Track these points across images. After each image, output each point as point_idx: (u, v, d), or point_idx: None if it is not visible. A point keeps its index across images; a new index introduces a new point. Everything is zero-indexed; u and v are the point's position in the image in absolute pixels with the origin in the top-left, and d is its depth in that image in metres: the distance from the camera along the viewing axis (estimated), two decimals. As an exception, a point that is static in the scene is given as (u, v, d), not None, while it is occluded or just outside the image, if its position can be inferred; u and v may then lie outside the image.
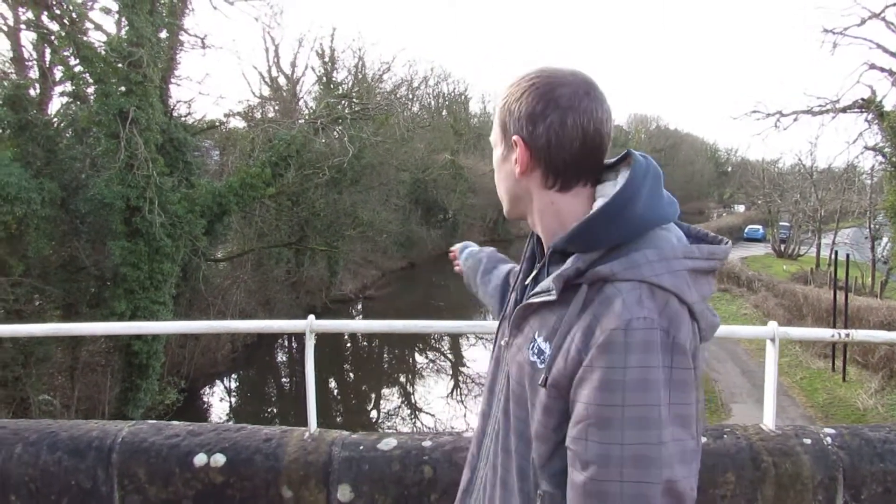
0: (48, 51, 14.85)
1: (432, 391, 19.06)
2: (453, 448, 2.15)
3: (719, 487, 2.07)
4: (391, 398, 19.47)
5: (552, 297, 1.02)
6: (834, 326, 15.30)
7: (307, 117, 21.78)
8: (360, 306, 28.12)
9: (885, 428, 2.28)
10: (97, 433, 2.25)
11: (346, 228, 24.80)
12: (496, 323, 1.37)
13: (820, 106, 21.25)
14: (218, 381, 19.16)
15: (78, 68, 14.37)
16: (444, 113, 45.14)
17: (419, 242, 35.91)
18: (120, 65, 13.59)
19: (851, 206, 32.63)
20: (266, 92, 27.83)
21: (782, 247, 37.74)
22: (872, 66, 19.88)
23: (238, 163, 19.64)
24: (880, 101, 19.99)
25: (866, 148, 21.52)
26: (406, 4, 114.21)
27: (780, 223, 40.04)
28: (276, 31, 30.32)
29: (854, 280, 22.38)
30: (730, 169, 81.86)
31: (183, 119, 17.68)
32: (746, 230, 46.59)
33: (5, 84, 13.67)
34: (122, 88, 13.63)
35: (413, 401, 18.80)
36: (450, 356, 22.72)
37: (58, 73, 14.94)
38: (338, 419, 16.51)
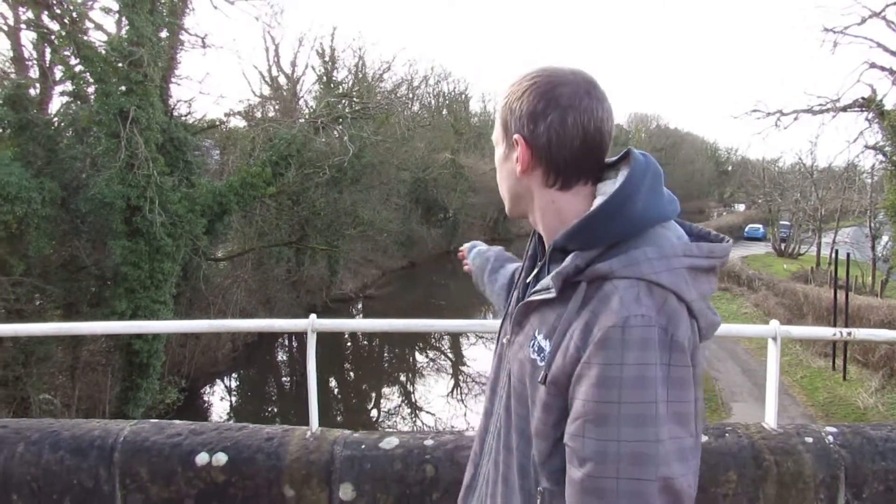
0: (48, 50, 14.85)
1: (432, 390, 19.07)
2: (455, 447, 2.15)
3: (721, 486, 2.07)
4: (391, 397, 19.48)
5: (551, 294, 1.03)
6: (834, 325, 15.30)
7: (307, 116, 21.77)
8: (360, 305, 28.13)
9: (887, 426, 2.28)
10: (99, 432, 2.25)
11: (346, 227, 24.80)
12: (497, 322, 1.37)
13: (820, 105, 21.24)
14: (218, 381, 19.17)
15: (78, 68, 14.38)
16: (445, 112, 45.12)
17: (419, 242, 35.91)
18: (120, 64, 13.59)
19: (852, 205, 32.62)
20: (266, 91, 27.85)
21: (783, 246, 37.75)
22: (873, 65, 19.86)
23: (238, 162, 19.64)
24: (881, 100, 19.97)
25: (867, 147, 21.49)
26: (406, 4, 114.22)
27: (781, 222, 40.05)
28: (276, 31, 30.38)
29: (854, 279, 22.38)
30: (730, 168, 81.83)
31: (183, 118, 17.69)
32: (747, 229, 46.59)
33: (6, 84, 13.68)
34: (123, 88, 13.63)
35: (413, 400, 18.81)
36: (450, 355, 22.73)
37: (58, 72, 14.94)
38: (338, 418, 16.52)
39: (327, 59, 27.76)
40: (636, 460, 0.89)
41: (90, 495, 2.17)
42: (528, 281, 1.19)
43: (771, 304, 21.89)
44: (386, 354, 23.42)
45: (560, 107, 1.03)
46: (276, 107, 26.22)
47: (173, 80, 16.64)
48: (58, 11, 13.91)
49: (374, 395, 19.58)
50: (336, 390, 19.22)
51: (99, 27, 14.58)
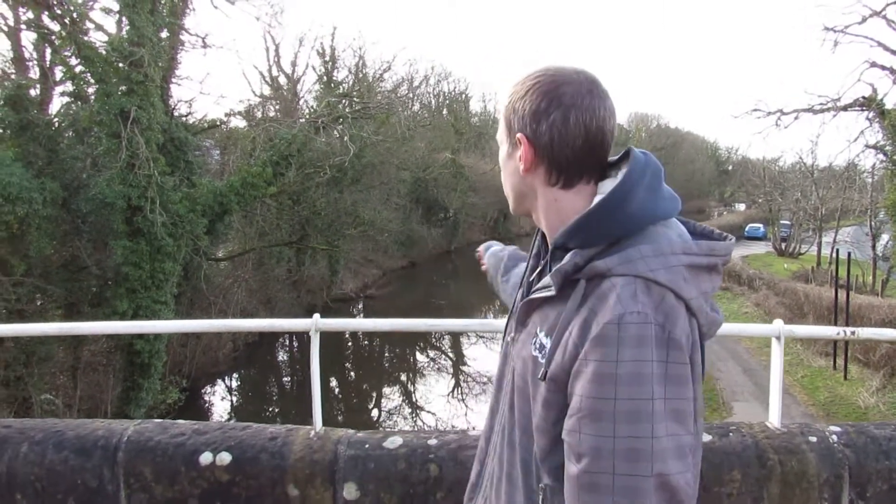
0: (49, 51, 14.85)
1: (433, 390, 19.07)
2: (459, 446, 2.15)
3: (725, 485, 2.07)
4: (392, 397, 19.48)
5: (551, 292, 1.03)
6: (835, 324, 15.29)
7: (308, 116, 21.77)
8: (360, 305, 28.13)
9: (891, 426, 2.28)
10: (103, 432, 2.26)
11: (346, 227, 24.80)
12: (499, 321, 1.38)
13: (821, 104, 21.20)
14: (219, 381, 19.17)
15: (79, 68, 14.38)
16: (445, 112, 45.12)
17: (420, 241, 35.90)
18: (121, 64, 13.58)
19: (852, 204, 32.61)
20: (267, 91, 27.86)
21: (783, 245, 37.75)
22: (873, 65, 19.84)
23: (239, 162, 19.64)
24: (881, 100, 19.94)
25: (867, 146, 21.47)
26: (406, 4, 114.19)
27: (781, 221, 40.04)
28: (276, 31, 30.40)
29: (855, 278, 22.38)
30: (730, 167, 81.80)
31: (184, 119, 17.69)
32: (747, 229, 46.58)
33: (6, 84, 13.68)
34: (124, 88, 13.62)
35: (414, 399, 18.81)
36: (451, 355, 22.73)
37: (58, 72, 14.95)
38: (339, 418, 16.52)
39: (327, 58, 27.77)
40: (631, 456, 0.89)
41: (94, 495, 2.17)
42: (531, 279, 1.19)
43: (771, 304, 21.89)
44: (387, 354, 23.42)
45: (562, 106, 1.03)
46: (277, 107, 26.23)
47: (174, 80, 16.65)
48: (58, 12, 13.91)
49: (374, 394, 19.58)
50: (337, 390, 19.22)
51: (99, 27, 14.59)
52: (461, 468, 2.07)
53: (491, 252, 1.81)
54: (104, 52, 13.65)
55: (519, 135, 1.07)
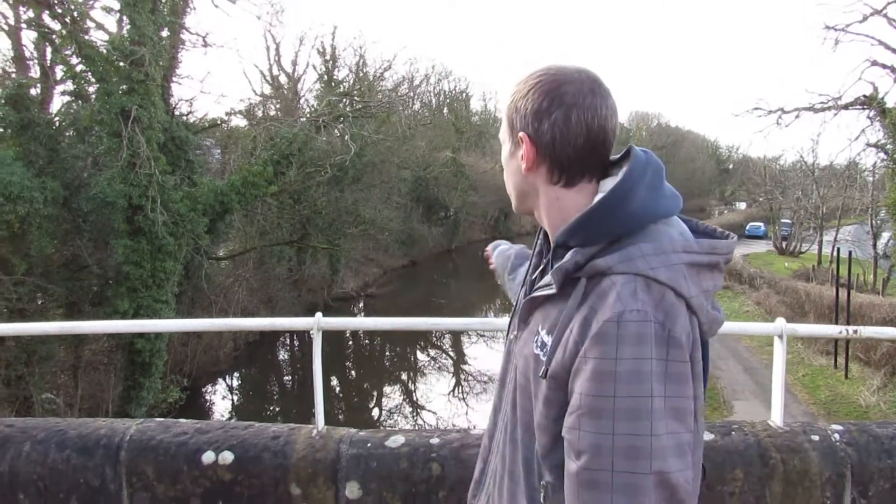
0: (49, 50, 14.84)
1: (434, 389, 19.08)
2: (461, 445, 2.15)
3: (727, 484, 2.07)
4: (393, 396, 19.49)
5: (552, 290, 1.04)
6: (836, 323, 15.29)
7: (309, 115, 21.78)
8: (361, 304, 28.14)
9: (893, 424, 2.28)
10: (105, 431, 2.26)
11: (347, 226, 24.80)
12: (500, 320, 1.38)
13: (822, 103, 21.17)
14: (220, 380, 19.18)
15: (79, 67, 14.37)
16: (446, 111, 45.11)
17: (420, 240, 35.91)
18: (122, 63, 13.58)
19: (853, 203, 32.59)
20: (267, 90, 27.86)
21: (784, 244, 37.74)
22: (874, 63, 19.81)
23: (240, 161, 19.64)
24: (882, 98, 19.91)
25: (868, 145, 21.45)
26: (407, 3, 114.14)
27: (782, 220, 40.04)
28: (277, 30, 30.28)
29: (856, 277, 22.37)
30: (731, 166, 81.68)
31: (185, 118, 17.69)
32: (748, 227, 46.58)
33: (7, 83, 13.67)
34: (124, 87, 13.62)
35: (415, 398, 18.82)
36: (451, 353, 22.74)
37: (59, 72, 14.94)
38: (340, 417, 16.53)
39: (328, 57, 27.78)
40: (631, 454, 0.89)
41: (96, 494, 2.17)
42: (533, 278, 1.19)
43: (772, 303, 21.89)
44: (387, 353, 23.44)
45: (564, 105, 1.03)
46: (278, 106, 26.24)
47: (174, 79, 16.64)
48: (59, 11, 13.90)
49: (375, 393, 19.59)
50: (338, 389, 19.23)
51: (100, 26, 14.57)
52: (463, 467, 2.08)
53: (499, 251, 1.82)
54: (105, 51, 13.65)
55: (521, 134, 1.08)
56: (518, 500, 1.10)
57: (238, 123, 22.73)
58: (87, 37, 13.92)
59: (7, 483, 2.19)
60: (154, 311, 14.12)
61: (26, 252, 12.94)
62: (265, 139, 19.77)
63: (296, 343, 22.39)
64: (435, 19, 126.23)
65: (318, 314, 2.34)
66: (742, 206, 67.06)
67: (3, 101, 13.01)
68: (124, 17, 14.28)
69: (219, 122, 20.11)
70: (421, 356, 22.94)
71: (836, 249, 27.22)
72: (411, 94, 35.35)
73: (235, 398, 18.99)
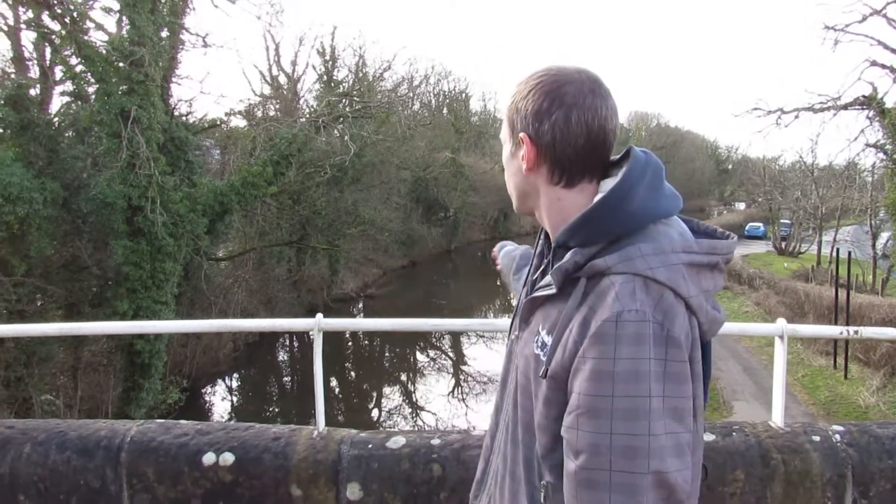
0: (49, 50, 14.83)
1: (433, 389, 19.07)
2: (462, 446, 2.15)
3: (728, 485, 2.07)
4: (392, 396, 19.48)
5: (552, 290, 1.04)
6: (835, 323, 15.30)
7: (308, 116, 21.78)
8: (361, 305, 28.14)
9: (894, 425, 2.28)
10: (106, 432, 2.25)
11: (347, 227, 24.79)
12: (500, 321, 1.38)
13: (821, 103, 21.18)
14: (220, 381, 19.17)
15: (79, 68, 14.37)
16: (445, 111, 45.10)
17: (420, 241, 35.91)
18: (121, 64, 13.57)
19: (852, 203, 32.61)
20: (267, 91, 27.84)
21: (783, 244, 37.75)
22: (874, 63, 19.82)
23: (239, 161, 19.64)
24: (881, 98, 19.92)
25: (867, 145, 21.47)
26: (406, 4, 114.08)
27: (781, 221, 40.06)
28: (276, 30, 30.32)
29: (855, 277, 22.38)
30: (730, 166, 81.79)
31: (184, 118, 17.68)
32: (747, 228, 46.59)
33: (7, 84, 13.66)
34: (124, 87, 13.61)
35: (414, 399, 18.81)
36: (451, 354, 22.73)
37: (58, 72, 14.93)
38: (339, 418, 16.52)
39: (328, 58, 27.77)
40: (628, 453, 0.90)
41: (97, 495, 2.17)
42: (534, 278, 1.20)
43: (772, 303, 21.89)
44: (387, 354, 23.42)
45: (564, 105, 1.04)
46: (277, 106, 26.22)
47: (174, 79, 16.63)
48: (58, 11, 13.89)
49: (375, 394, 19.59)
50: (337, 389, 19.23)
51: (100, 27, 14.55)
52: (464, 468, 2.07)
53: (504, 252, 1.83)
54: (104, 52, 13.64)
55: (522, 134, 1.08)
56: (519, 499, 1.11)
57: (237, 124, 22.76)
58: (86, 37, 13.92)
59: (7, 485, 2.19)
60: (154, 312, 14.12)
61: (26, 253, 12.93)
62: (265, 140, 19.77)
63: (295, 344, 22.38)
64: (435, 19, 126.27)
65: (319, 315, 2.34)
66: (741, 206, 67.09)
67: (2, 102, 12.99)
68: (124, 18, 14.27)
69: (218, 122, 20.10)
70: (420, 357, 22.94)
71: (835, 250, 27.19)
72: (411, 94, 35.40)
73: (235, 399, 18.98)
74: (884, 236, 29.02)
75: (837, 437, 2.20)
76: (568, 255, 1.03)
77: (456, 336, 22.79)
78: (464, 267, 39.82)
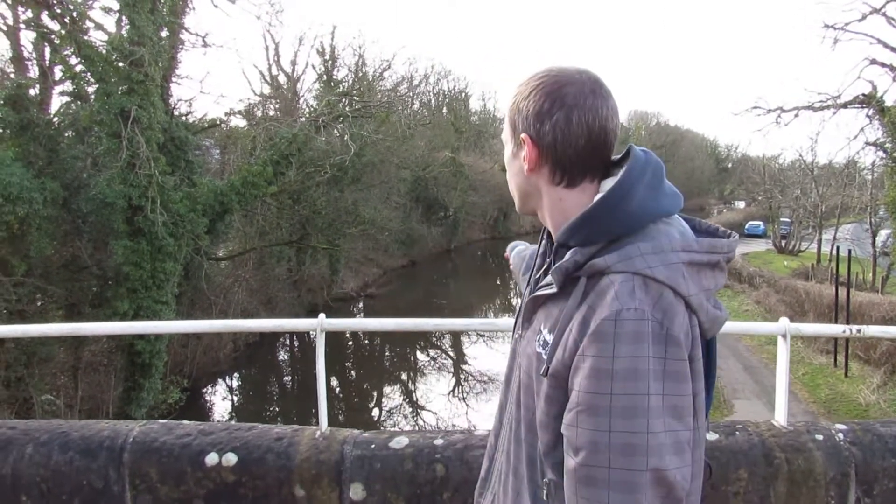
0: (48, 50, 14.82)
1: (434, 389, 19.07)
2: (465, 446, 2.15)
3: (732, 484, 2.07)
4: (393, 396, 19.48)
5: (553, 289, 1.05)
6: (836, 322, 15.31)
7: (308, 115, 21.77)
8: (361, 304, 28.13)
9: (897, 424, 2.28)
10: (108, 433, 2.25)
11: (347, 226, 24.78)
12: (502, 320, 1.39)
13: (821, 102, 21.19)
14: (220, 380, 19.16)
15: (79, 68, 14.36)
16: (445, 111, 45.06)
17: (420, 240, 35.90)
18: (121, 64, 13.56)
19: (852, 201, 32.65)
20: (266, 90, 27.82)
21: (783, 243, 37.76)
22: (873, 62, 19.82)
23: (239, 161, 19.63)
24: (881, 97, 19.92)
25: (867, 143, 21.49)
26: (406, 3, 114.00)
27: (781, 219, 40.08)
28: (276, 30, 30.26)
29: (855, 276, 22.38)
30: (730, 165, 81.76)
31: (184, 118, 17.67)
32: (747, 226, 46.60)
33: (6, 84, 13.66)
34: (124, 87, 13.60)
35: (415, 398, 18.81)
36: (451, 354, 22.73)
37: (58, 72, 14.91)
38: (340, 417, 16.52)
39: (327, 57, 27.75)
40: (627, 451, 0.90)
41: (100, 496, 2.17)
42: (537, 277, 1.20)
43: (772, 302, 21.91)
44: (387, 353, 23.42)
45: (565, 106, 1.04)
46: (277, 106, 26.21)
47: (174, 79, 16.62)
48: (58, 11, 13.88)
49: (375, 394, 19.58)
50: (338, 389, 19.22)
51: (99, 27, 14.54)
52: (468, 468, 2.07)
53: (516, 252, 1.85)
54: (104, 52, 13.63)
55: (523, 135, 1.09)
56: (522, 497, 1.11)
57: (237, 124, 22.76)
58: (86, 37, 13.91)
59: (10, 486, 2.18)
60: (154, 312, 14.11)
61: (26, 253, 12.92)
62: (264, 139, 19.77)
63: (296, 344, 22.38)
64: (435, 19, 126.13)
65: (322, 315, 2.33)
66: (741, 204, 67.08)
67: (2, 102, 12.99)
68: (123, 18, 14.25)
69: (218, 122, 20.10)
70: (421, 356, 22.94)
71: (835, 248, 27.22)
72: (410, 93, 35.35)
73: (236, 399, 18.98)
74: (883, 234, 29.01)
75: (841, 435, 2.20)
76: (568, 255, 1.03)
77: (456, 335, 22.80)
78: (464, 266, 39.82)
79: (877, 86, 20.03)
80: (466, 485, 2.03)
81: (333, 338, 19.94)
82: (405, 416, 17.42)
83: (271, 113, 24.64)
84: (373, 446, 2.17)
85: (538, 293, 1.10)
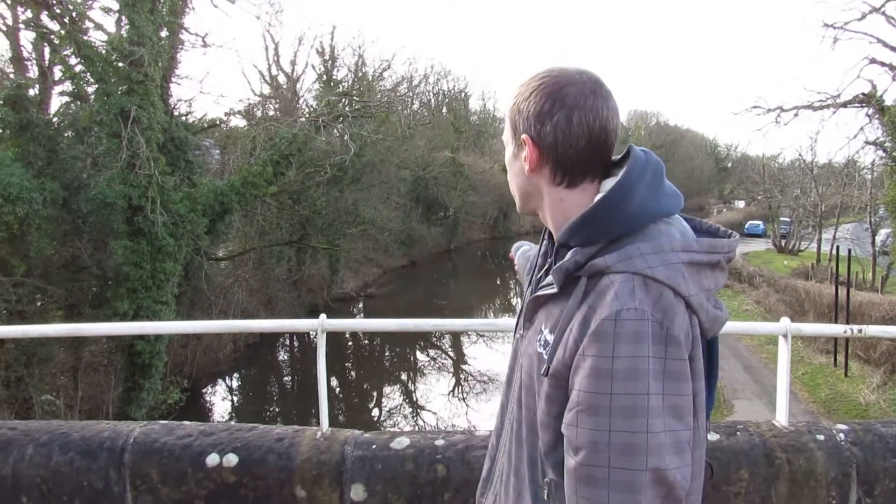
0: (48, 50, 14.81)
1: (434, 389, 19.07)
2: (466, 447, 2.15)
3: (733, 484, 2.07)
4: (393, 396, 19.47)
5: (553, 290, 1.05)
6: (836, 321, 15.31)
7: (308, 115, 21.77)
8: (361, 304, 28.13)
9: (898, 424, 2.28)
10: (109, 434, 2.25)
11: (347, 226, 24.78)
12: (502, 321, 1.39)
13: (820, 101, 21.20)
14: (220, 381, 19.16)
15: (78, 68, 14.35)
16: (445, 110, 45.06)
17: (420, 240, 35.90)
18: (121, 64, 13.56)
19: (852, 201, 32.65)
20: (266, 90, 27.82)
21: (783, 242, 37.76)
22: (873, 61, 19.83)
23: (239, 161, 19.63)
24: (881, 96, 19.93)
25: (867, 143, 21.50)
26: (406, 3, 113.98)
27: (781, 219, 40.09)
28: (276, 30, 30.30)
29: (855, 275, 22.38)
30: (730, 165, 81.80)
31: (184, 118, 17.67)
32: (747, 226, 46.62)
33: (6, 84, 13.65)
34: (124, 87, 13.60)
35: (415, 399, 18.81)
36: (451, 354, 22.73)
37: (58, 72, 14.91)
38: (340, 418, 16.52)
39: (327, 57, 27.75)
40: (627, 451, 0.90)
41: (100, 497, 2.17)
42: (538, 277, 1.21)
43: (772, 301, 21.90)
44: (387, 353, 23.41)
45: (566, 106, 1.04)
46: (277, 106, 26.21)
47: (174, 79, 16.63)
48: (57, 11, 13.87)
49: (375, 394, 19.58)
50: (338, 389, 19.22)
51: (99, 27, 14.54)
52: (469, 469, 2.07)
53: (521, 252, 1.85)
54: (104, 52, 13.63)
55: (524, 136, 1.09)
56: (523, 497, 1.11)
57: (237, 124, 22.77)
58: (85, 37, 13.91)
59: (10, 486, 2.18)
60: (154, 313, 14.11)
61: (25, 253, 12.92)
62: (264, 139, 19.77)
63: (296, 344, 22.37)
64: (434, 19, 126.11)
65: (323, 315, 2.33)
66: (741, 204, 67.13)
67: (1, 102, 12.98)
68: (123, 18, 14.25)
69: (218, 122, 20.10)
70: (421, 356, 22.93)
71: (835, 247, 27.21)
72: (410, 93, 35.35)
73: (236, 399, 18.97)
74: (883, 233, 29.02)
75: (842, 436, 2.20)
76: (569, 255, 1.04)
77: (456, 335, 22.80)
78: (464, 266, 39.81)
79: (876, 85, 20.06)
80: (467, 485, 2.03)
81: (334, 338, 19.93)
82: (405, 417, 17.41)
83: (271, 113, 24.65)
84: (374, 447, 2.17)
85: (539, 293, 1.11)
